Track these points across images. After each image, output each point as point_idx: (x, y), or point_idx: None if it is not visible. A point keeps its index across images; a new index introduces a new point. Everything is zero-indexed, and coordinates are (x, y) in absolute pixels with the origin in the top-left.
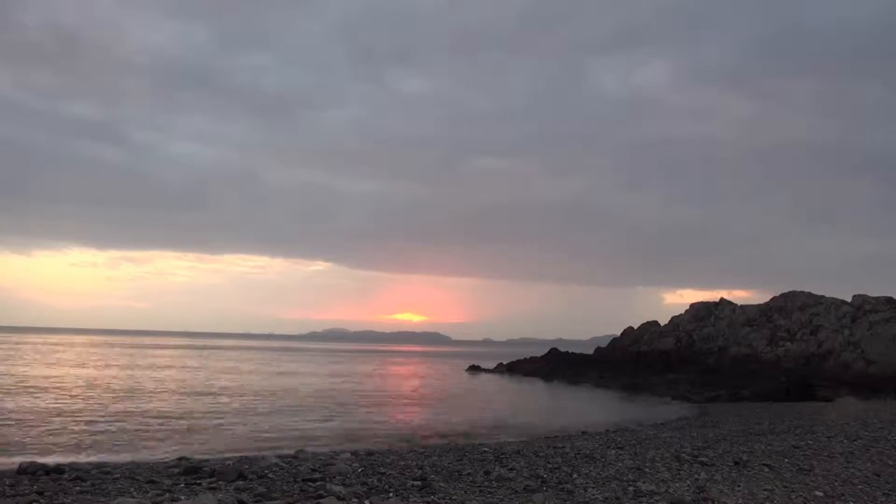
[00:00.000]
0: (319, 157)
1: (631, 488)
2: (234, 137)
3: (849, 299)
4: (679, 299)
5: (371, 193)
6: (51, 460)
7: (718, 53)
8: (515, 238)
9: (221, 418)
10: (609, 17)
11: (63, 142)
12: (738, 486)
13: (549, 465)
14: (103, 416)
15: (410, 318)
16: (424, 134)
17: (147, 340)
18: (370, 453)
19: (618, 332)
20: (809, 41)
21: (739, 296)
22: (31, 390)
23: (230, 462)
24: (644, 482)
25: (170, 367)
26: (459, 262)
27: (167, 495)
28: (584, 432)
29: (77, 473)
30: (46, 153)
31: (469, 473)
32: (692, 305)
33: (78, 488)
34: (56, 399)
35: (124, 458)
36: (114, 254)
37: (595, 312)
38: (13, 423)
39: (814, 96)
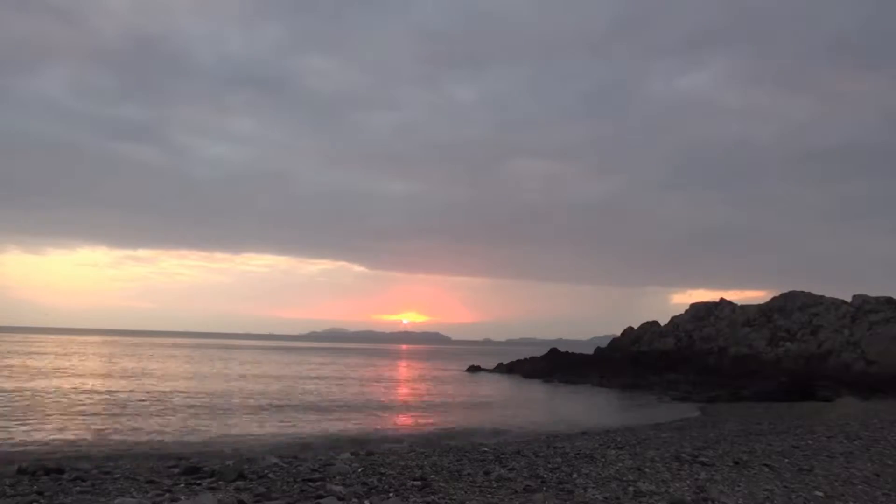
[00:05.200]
0: (353, 159)
1: (631, 488)
2: (275, 139)
3: (849, 299)
4: (689, 300)
5: (394, 195)
6: (51, 460)
7: (779, 55)
8: (529, 239)
9: (221, 418)
10: (672, 22)
11: (100, 143)
12: (738, 486)
13: (549, 465)
14: (105, 416)
15: (411, 318)
16: (466, 137)
17: (156, 341)
18: (370, 453)
19: (618, 333)
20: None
21: (751, 296)
22: (30, 390)
23: (230, 462)
24: (644, 482)
25: (172, 366)
26: (466, 262)
27: (167, 495)
28: (584, 432)
29: (77, 473)
30: (82, 154)
31: (469, 473)
32: (692, 305)
33: (78, 488)
34: (56, 399)
35: (124, 458)
36: (127, 253)
37: (600, 312)
38: (16, 422)
39: (864, 98)
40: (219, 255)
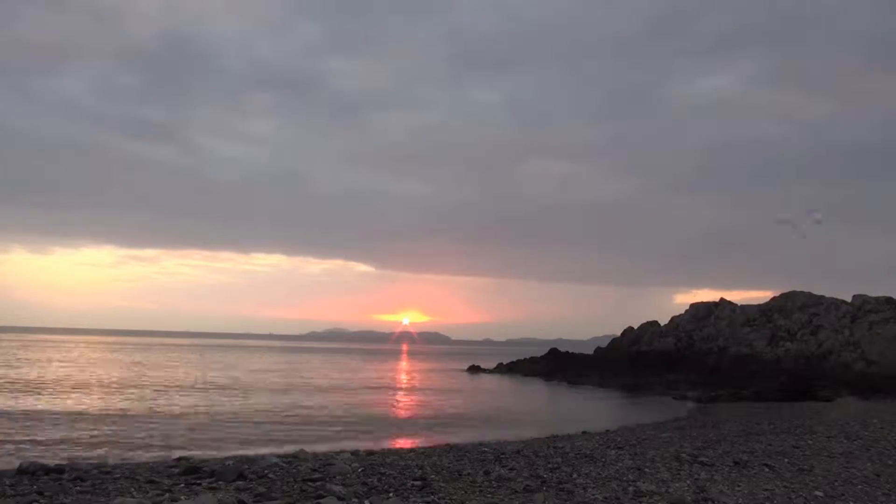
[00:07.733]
0: (370, 160)
1: (631, 488)
2: (293, 140)
3: (849, 299)
4: (692, 300)
5: (408, 195)
6: (51, 460)
7: (808, 55)
8: (534, 239)
9: (222, 418)
10: (694, 24)
11: (117, 143)
12: (738, 486)
13: (549, 465)
14: (104, 416)
15: (413, 318)
16: (485, 138)
17: (155, 341)
18: (370, 453)
19: (619, 333)
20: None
21: (754, 296)
22: (31, 391)
23: (230, 462)
24: (644, 482)
25: (175, 367)
26: (471, 263)
27: (167, 495)
28: (584, 432)
29: (77, 473)
30: (97, 154)
31: (469, 473)
32: (692, 305)
33: (78, 488)
34: (56, 399)
35: (124, 458)
36: (131, 252)
37: (602, 312)
38: (15, 422)
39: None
40: (225, 255)
